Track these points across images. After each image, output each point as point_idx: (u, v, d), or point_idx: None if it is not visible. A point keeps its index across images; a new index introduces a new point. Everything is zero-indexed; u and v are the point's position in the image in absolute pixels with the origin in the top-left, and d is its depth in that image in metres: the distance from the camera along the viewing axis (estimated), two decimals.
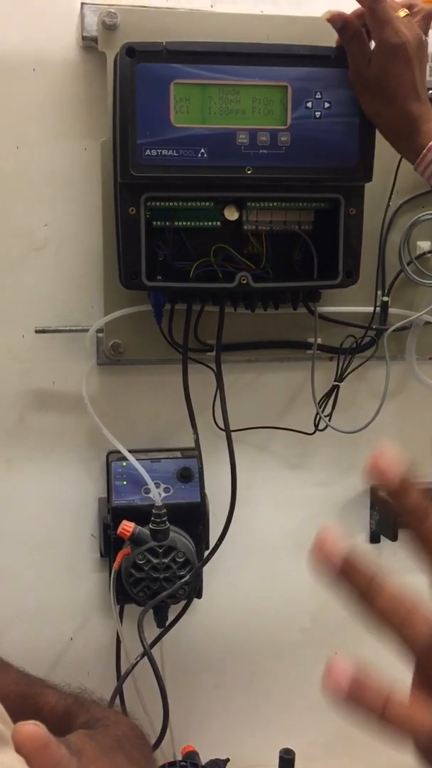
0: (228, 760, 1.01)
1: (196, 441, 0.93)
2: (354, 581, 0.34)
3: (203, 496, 0.93)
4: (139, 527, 0.88)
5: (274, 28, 0.86)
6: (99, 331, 0.92)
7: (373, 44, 0.76)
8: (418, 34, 0.74)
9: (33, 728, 0.44)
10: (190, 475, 0.93)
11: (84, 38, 0.86)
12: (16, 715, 0.48)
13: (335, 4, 0.90)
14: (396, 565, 1.09)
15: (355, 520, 1.05)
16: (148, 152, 0.78)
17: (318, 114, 0.80)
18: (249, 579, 1.03)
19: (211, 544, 0.93)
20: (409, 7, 0.75)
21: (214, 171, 0.80)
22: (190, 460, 0.94)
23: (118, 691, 0.92)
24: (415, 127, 0.74)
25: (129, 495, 0.92)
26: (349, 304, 0.94)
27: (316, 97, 0.80)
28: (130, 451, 0.92)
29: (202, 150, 0.79)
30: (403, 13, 0.75)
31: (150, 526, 0.89)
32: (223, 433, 0.91)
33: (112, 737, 0.62)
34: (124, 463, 0.92)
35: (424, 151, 0.74)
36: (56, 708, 0.69)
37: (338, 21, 0.76)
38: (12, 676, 0.73)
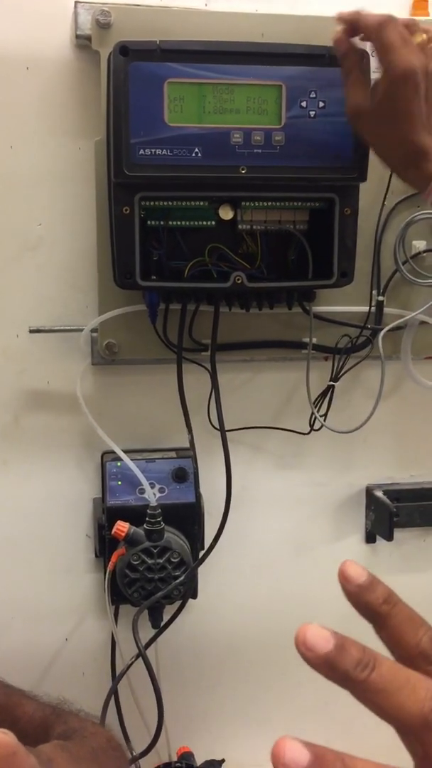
0: (223, 760, 1.01)
1: (191, 441, 0.93)
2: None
3: (198, 496, 0.93)
4: (133, 528, 0.88)
5: (269, 27, 0.86)
6: (93, 330, 0.91)
7: (373, 73, 0.71)
8: (428, 63, 0.68)
9: (1, 736, 0.44)
10: (185, 475, 0.93)
11: (78, 37, 0.85)
12: None
13: (333, 3, 0.90)
14: (391, 565, 1.10)
15: (351, 520, 1.05)
16: (142, 151, 0.78)
17: (313, 113, 0.80)
18: (244, 579, 1.03)
19: (207, 545, 0.93)
20: (426, 31, 0.70)
21: (209, 170, 0.79)
22: (185, 461, 0.94)
23: (113, 692, 0.92)
24: (423, 157, 0.69)
25: (124, 495, 0.92)
26: (345, 304, 0.94)
27: (311, 96, 0.79)
28: (125, 451, 0.92)
29: (197, 149, 0.79)
30: (419, 37, 0.69)
31: (145, 526, 0.89)
32: (218, 433, 0.91)
33: (87, 748, 0.62)
34: (119, 464, 0.92)
35: None
36: (33, 718, 0.69)
37: (342, 46, 0.72)
38: None
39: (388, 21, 0.67)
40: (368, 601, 0.34)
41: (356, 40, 0.72)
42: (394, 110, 0.68)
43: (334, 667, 0.30)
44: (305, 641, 0.30)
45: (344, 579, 0.34)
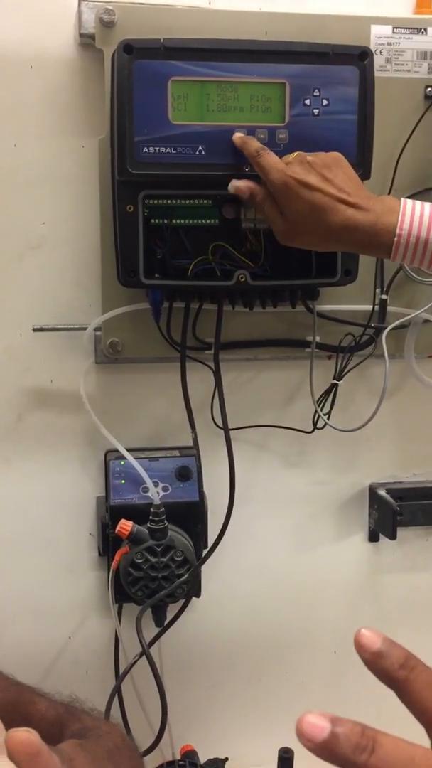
0: (227, 759, 1.01)
1: (195, 440, 0.93)
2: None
3: (202, 494, 0.93)
4: (137, 526, 0.88)
5: (273, 25, 0.86)
6: (97, 329, 0.91)
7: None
8: (306, 161, 0.74)
9: (26, 735, 0.44)
10: (188, 473, 0.93)
11: (81, 35, 0.85)
12: (6, 723, 0.47)
13: (337, 1, 0.90)
14: (394, 564, 1.10)
15: (354, 519, 1.05)
16: (145, 150, 0.78)
17: (316, 111, 0.80)
18: (247, 578, 1.03)
19: (210, 543, 0.93)
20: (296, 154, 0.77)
21: (212, 168, 0.79)
22: (189, 459, 0.94)
23: (117, 690, 0.92)
24: (366, 230, 0.72)
25: (127, 494, 0.92)
26: (348, 303, 0.94)
27: (315, 94, 0.79)
28: (129, 450, 0.92)
29: (200, 147, 0.79)
30: (292, 156, 0.75)
31: (148, 524, 0.89)
32: (222, 432, 0.91)
33: (103, 748, 0.62)
34: (123, 462, 0.92)
35: (393, 247, 0.72)
36: (47, 716, 0.69)
37: (245, 192, 0.77)
38: (1, 683, 0.73)
39: (259, 150, 0.75)
40: (384, 668, 0.34)
41: None
42: (308, 212, 0.73)
43: (334, 754, 0.30)
44: (302, 732, 0.30)
45: (359, 647, 0.34)
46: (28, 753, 0.43)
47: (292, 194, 0.73)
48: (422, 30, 0.90)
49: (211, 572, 0.98)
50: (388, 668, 0.34)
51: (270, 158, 0.75)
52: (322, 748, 0.30)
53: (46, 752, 0.45)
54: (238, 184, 0.78)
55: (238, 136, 0.78)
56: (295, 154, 0.76)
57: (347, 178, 0.74)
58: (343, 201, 0.73)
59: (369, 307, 0.94)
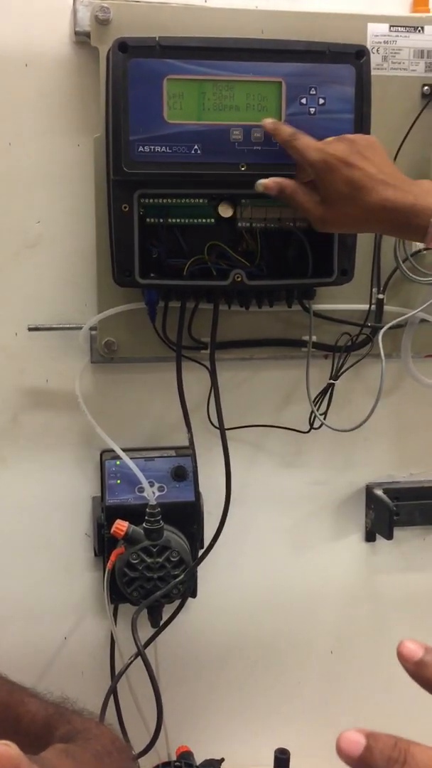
0: (223, 760, 1.01)
1: (191, 439, 0.92)
2: None
3: (197, 494, 0.93)
4: (133, 526, 0.88)
5: (269, 23, 0.86)
6: (92, 328, 0.91)
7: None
8: (346, 139, 0.74)
9: (4, 749, 0.43)
10: (184, 473, 0.92)
11: (77, 33, 0.85)
12: None
13: None
14: (391, 564, 1.10)
15: (351, 519, 1.04)
16: (141, 149, 0.78)
17: (312, 110, 0.79)
18: (244, 578, 1.03)
19: (206, 544, 0.93)
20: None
21: (208, 167, 0.79)
22: (185, 459, 0.93)
23: (112, 691, 0.92)
24: (404, 211, 0.72)
25: (123, 494, 0.91)
26: (344, 302, 0.94)
27: (311, 93, 0.79)
28: (124, 450, 0.91)
29: (196, 146, 0.78)
30: (330, 138, 0.76)
31: (144, 525, 0.88)
32: (218, 432, 0.91)
33: (91, 752, 0.61)
34: (118, 462, 0.92)
35: (429, 228, 0.71)
36: (36, 718, 0.69)
37: (273, 188, 0.77)
38: None
39: (293, 133, 0.75)
40: (427, 677, 0.35)
41: None
42: (341, 191, 0.73)
43: (369, 766, 0.32)
44: (340, 749, 0.33)
45: (402, 659, 0.36)
46: (7, 767, 0.43)
47: (332, 172, 0.73)
48: (419, 28, 0.90)
49: (207, 573, 0.97)
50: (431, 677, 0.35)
51: (306, 139, 0.75)
52: (359, 763, 0.32)
53: (26, 764, 0.44)
54: (264, 182, 0.77)
55: (269, 121, 0.77)
56: (333, 137, 0.76)
57: (385, 159, 0.74)
58: (382, 181, 0.72)
59: (366, 307, 0.94)
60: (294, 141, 0.75)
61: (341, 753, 0.33)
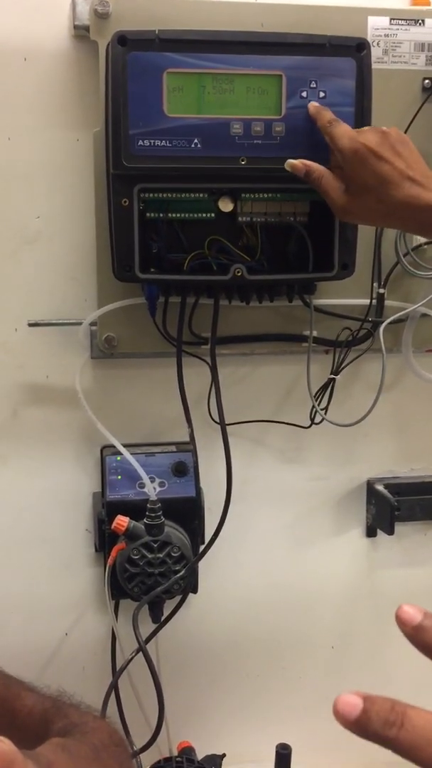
0: (224, 755, 1.01)
1: (191, 435, 0.92)
2: None
3: (198, 490, 0.93)
4: (133, 522, 0.88)
5: (269, 16, 0.85)
6: (92, 324, 0.91)
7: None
8: (380, 132, 0.74)
9: None
10: (185, 469, 0.92)
11: (76, 27, 0.84)
12: None
13: None
14: (392, 559, 1.10)
15: (352, 514, 1.04)
16: (140, 143, 0.77)
17: None
18: (245, 574, 1.03)
19: (207, 539, 0.92)
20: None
21: (208, 161, 0.79)
22: (185, 455, 0.93)
23: (113, 687, 0.92)
24: (429, 209, 0.72)
25: (123, 490, 0.91)
26: (345, 297, 0.94)
27: (311, 86, 0.79)
28: (125, 446, 0.91)
29: (196, 140, 0.78)
30: (366, 128, 0.76)
31: (145, 520, 0.88)
32: (219, 427, 0.91)
33: (88, 745, 0.61)
34: (119, 458, 0.92)
35: None
36: (33, 712, 0.68)
37: (302, 170, 0.77)
38: None
39: (332, 120, 0.76)
40: (426, 641, 0.35)
41: None
42: (367, 183, 0.73)
43: (365, 729, 0.32)
44: (337, 711, 0.32)
45: (401, 623, 0.35)
46: (1, 763, 0.43)
47: (362, 162, 0.72)
48: (420, 21, 0.90)
49: (208, 568, 0.97)
50: (430, 642, 0.35)
51: (342, 127, 0.75)
52: (355, 725, 0.32)
53: (20, 761, 0.44)
54: (293, 162, 0.77)
55: (313, 105, 0.78)
56: (368, 127, 0.76)
57: (416, 156, 0.74)
58: (409, 178, 0.72)
59: (366, 302, 0.94)
60: (330, 128, 0.75)
61: (338, 715, 0.32)
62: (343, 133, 0.74)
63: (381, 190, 0.72)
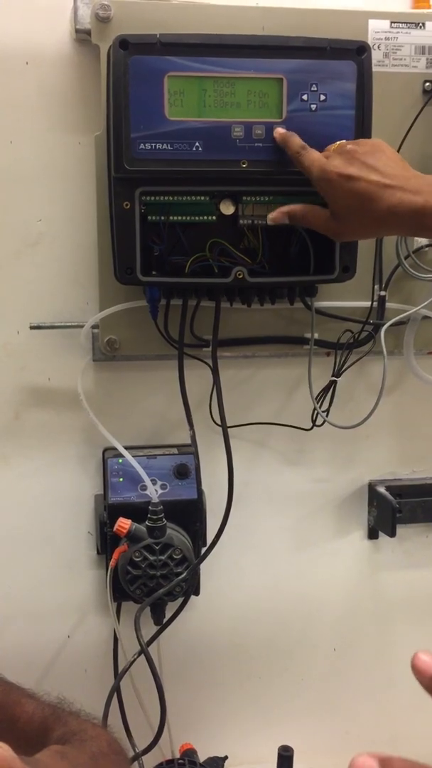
0: (226, 757, 1.01)
1: (193, 437, 0.92)
2: None
3: (200, 492, 0.93)
4: (135, 524, 0.88)
5: (269, 20, 0.86)
6: (94, 327, 0.91)
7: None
8: (346, 150, 0.73)
9: None
10: (186, 471, 0.92)
11: (77, 31, 0.85)
12: None
13: None
14: (394, 561, 1.10)
15: (354, 517, 1.04)
16: (142, 146, 0.77)
17: (314, 107, 0.79)
18: (246, 576, 1.03)
19: (209, 541, 0.92)
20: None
21: (210, 165, 0.79)
22: (187, 457, 0.93)
23: (116, 689, 0.92)
24: (415, 213, 0.71)
25: (125, 492, 0.91)
26: (346, 299, 0.94)
27: (312, 89, 0.79)
28: (127, 448, 0.91)
29: (197, 143, 0.78)
30: (333, 146, 0.77)
31: (147, 523, 0.88)
32: (220, 430, 0.91)
33: (86, 753, 0.61)
34: (121, 460, 0.92)
35: None
36: (33, 719, 0.68)
37: (283, 218, 0.78)
38: None
39: (299, 149, 0.76)
40: None
41: None
42: (347, 205, 0.73)
43: None
44: None
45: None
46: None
47: (336, 188, 0.73)
48: (420, 24, 0.90)
49: (209, 570, 0.97)
50: None
51: (310, 156, 0.75)
52: None
53: (19, 766, 0.44)
54: (272, 216, 0.79)
55: (279, 132, 0.78)
56: (336, 144, 0.76)
57: (390, 161, 0.73)
58: (387, 186, 0.71)
59: (367, 304, 0.94)
60: (299, 157, 0.76)
61: None
62: (312, 162, 0.75)
63: (364, 208, 0.72)
